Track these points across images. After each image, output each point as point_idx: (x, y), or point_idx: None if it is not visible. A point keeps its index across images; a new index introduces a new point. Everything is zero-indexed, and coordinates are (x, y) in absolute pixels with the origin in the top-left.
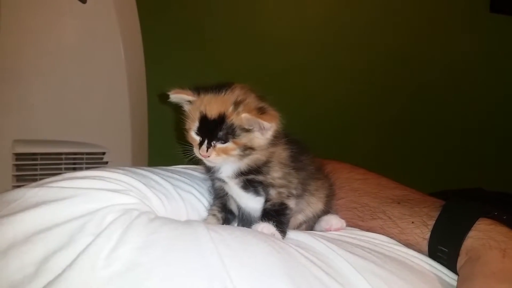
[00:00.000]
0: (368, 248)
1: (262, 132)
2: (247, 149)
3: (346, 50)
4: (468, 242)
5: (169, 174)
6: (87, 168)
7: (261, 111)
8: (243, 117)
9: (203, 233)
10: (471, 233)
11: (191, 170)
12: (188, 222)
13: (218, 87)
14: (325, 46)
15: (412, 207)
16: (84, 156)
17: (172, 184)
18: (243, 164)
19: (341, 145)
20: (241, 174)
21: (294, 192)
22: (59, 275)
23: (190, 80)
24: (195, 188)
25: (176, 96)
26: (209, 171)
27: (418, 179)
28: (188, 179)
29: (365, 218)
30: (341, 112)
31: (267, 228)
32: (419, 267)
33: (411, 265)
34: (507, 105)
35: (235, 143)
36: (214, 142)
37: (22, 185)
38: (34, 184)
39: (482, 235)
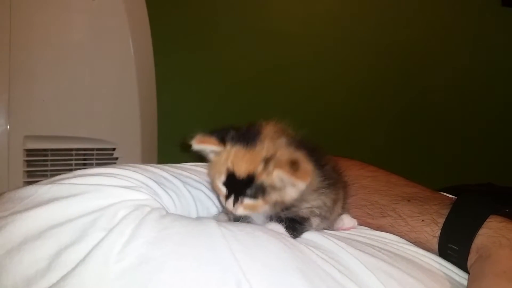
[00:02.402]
0: (378, 247)
1: (295, 185)
2: (277, 203)
3: (355, 46)
4: (479, 240)
5: (179, 171)
6: (97, 164)
7: (294, 167)
8: (274, 176)
9: (214, 229)
10: (482, 231)
11: (201, 167)
12: (199, 219)
13: (246, 136)
14: (333, 42)
15: (422, 205)
16: (94, 152)
17: (182, 181)
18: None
19: (348, 141)
20: (272, 217)
21: (324, 213)
22: (73, 269)
23: (199, 75)
24: (205, 185)
25: (199, 147)
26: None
27: (427, 174)
28: (198, 176)
29: (375, 216)
30: (350, 108)
31: (277, 227)
32: (429, 266)
33: (420, 264)
34: None
35: (264, 200)
36: (241, 197)
37: (33, 181)
38: (46, 181)
39: (493, 233)
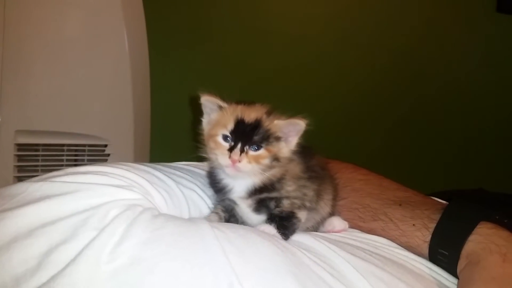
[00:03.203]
0: (369, 251)
1: (287, 141)
2: (274, 160)
3: (353, 48)
4: (469, 245)
5: (172, 170)
6: (88, 160)
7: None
8: (276, 123)
9: (207, 230)
10: (472, 237)
11: (193, 167)
12: (191, 220)
13: (246, 102)
14: (332, 44)
15: (413, 209)
16: (86, 148)
17: (175, 181)
18: (258, 180)
19: (345, 144)
20: (254, 192)
21: (307, 204)
22: (63, 269)
23: (194, 74)
24: (197, 185)
25: (207, 99)
26: (221, 191)
27: (420, 178)
28: (190, 176)
29: (366, 219)
30: (347, 111)
31: (269, 229)
32: (419, 270)
33: (411, 268)
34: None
35: (268, 150)
36: (246, 147)
37: (23, 175)
38: (37, 178)
39: (482, 239)
